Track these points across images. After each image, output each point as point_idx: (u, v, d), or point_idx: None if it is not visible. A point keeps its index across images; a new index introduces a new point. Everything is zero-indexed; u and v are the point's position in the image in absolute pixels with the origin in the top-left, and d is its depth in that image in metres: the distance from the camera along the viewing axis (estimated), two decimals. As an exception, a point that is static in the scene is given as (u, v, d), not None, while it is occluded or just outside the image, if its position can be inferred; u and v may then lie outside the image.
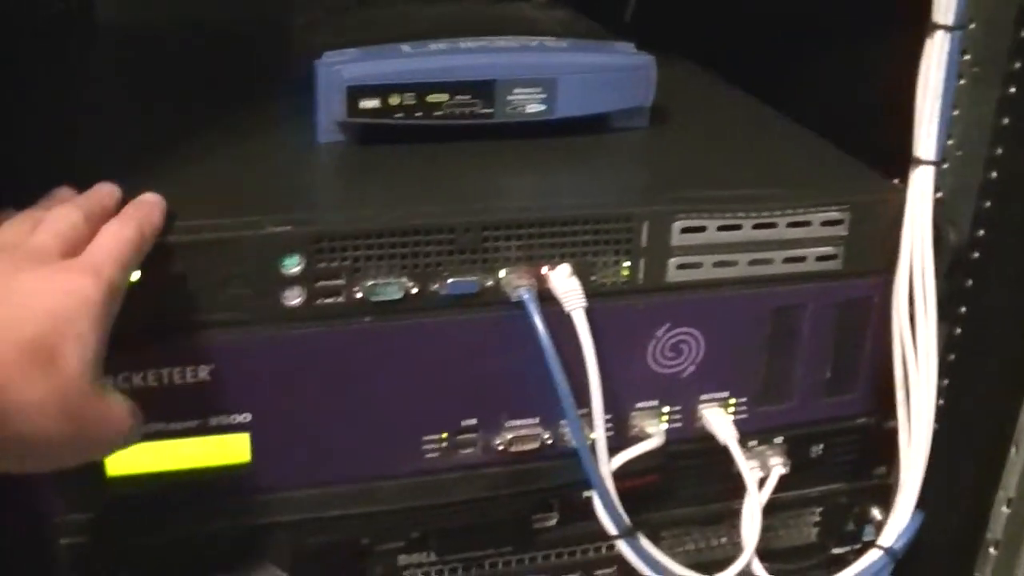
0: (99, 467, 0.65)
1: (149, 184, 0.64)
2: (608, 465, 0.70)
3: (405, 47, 0.75)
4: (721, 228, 0.71)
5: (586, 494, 0.72)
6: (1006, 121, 0.74)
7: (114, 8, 1.05)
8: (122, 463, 0.65)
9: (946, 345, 0.78)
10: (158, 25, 1.06)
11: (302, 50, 0.80)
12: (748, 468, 0.75)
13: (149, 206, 0.62)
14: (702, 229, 0.70)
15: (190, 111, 0.83)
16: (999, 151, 0.74)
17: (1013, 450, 0.68)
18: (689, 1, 1.05)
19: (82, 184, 0.64)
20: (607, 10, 0.97)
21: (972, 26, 0.72)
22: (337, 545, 0.72)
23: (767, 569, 0.76)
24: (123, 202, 0.63)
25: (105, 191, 0.63)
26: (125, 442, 0.57)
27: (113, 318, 0.55)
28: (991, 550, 0.70)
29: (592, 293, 0.68)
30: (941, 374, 0.75)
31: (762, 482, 0.76)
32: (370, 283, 0.65)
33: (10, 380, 0.48)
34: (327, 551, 0.72)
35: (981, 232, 0.76)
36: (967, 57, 0.74)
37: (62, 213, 0.58)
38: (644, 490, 0.75)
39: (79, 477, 0.63)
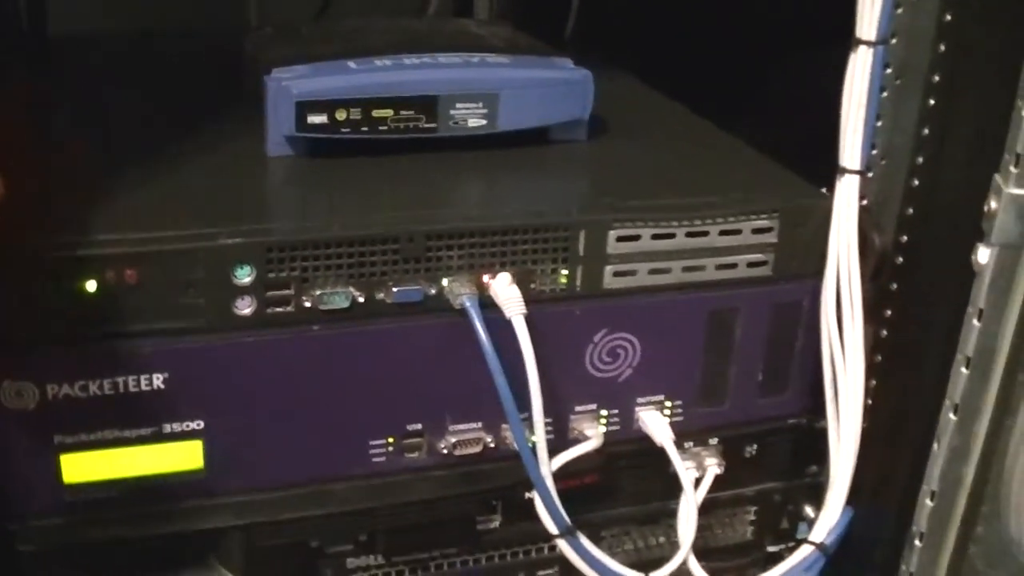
0: (56, 474, 0.66)
1: (102, 197, 0.66)
2: (548, 466, 0.71)
3: (352, 64, 0.77)
4: (655, 236, 0.73)
5: (528, 495, 0.73)
6: (927, 131, 0.76)
7: (65, 22, 1.06)
8: (79, 470, 0.66)
9: (873, 347, 0.80)
10: (110, 38, 1.07)
11: (252, 66, 0.82)
12: (684, 468, 0.76)
13: None
14: (637, 238, 0.72)
15: (142, 125, 0.84)
16: (920, 160, 0.76)
17: (935, 445, 0.70)
18: (625, 17, 1.07)
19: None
20: (547, 27, 0.99)
21: (894, 41, 0.75)
22: (288, 548, 0.73)
23: (704, 567, 0.78)
24: None
25: None
26: None
27: None
28: (916, 542, 0.72)
29: (532, 300, 0.70)
30: (868, 375, 0.77)
31: (698, 482, 0.78)
32: (318, 292, 0.67)
33: None
34: (278, 554, 0.73)
35: (905, 238, 0.78)
36: (889, 70, 0.76)
37: None
38: (584, 491, 0.76)
39: (37, 485, 0.64)
